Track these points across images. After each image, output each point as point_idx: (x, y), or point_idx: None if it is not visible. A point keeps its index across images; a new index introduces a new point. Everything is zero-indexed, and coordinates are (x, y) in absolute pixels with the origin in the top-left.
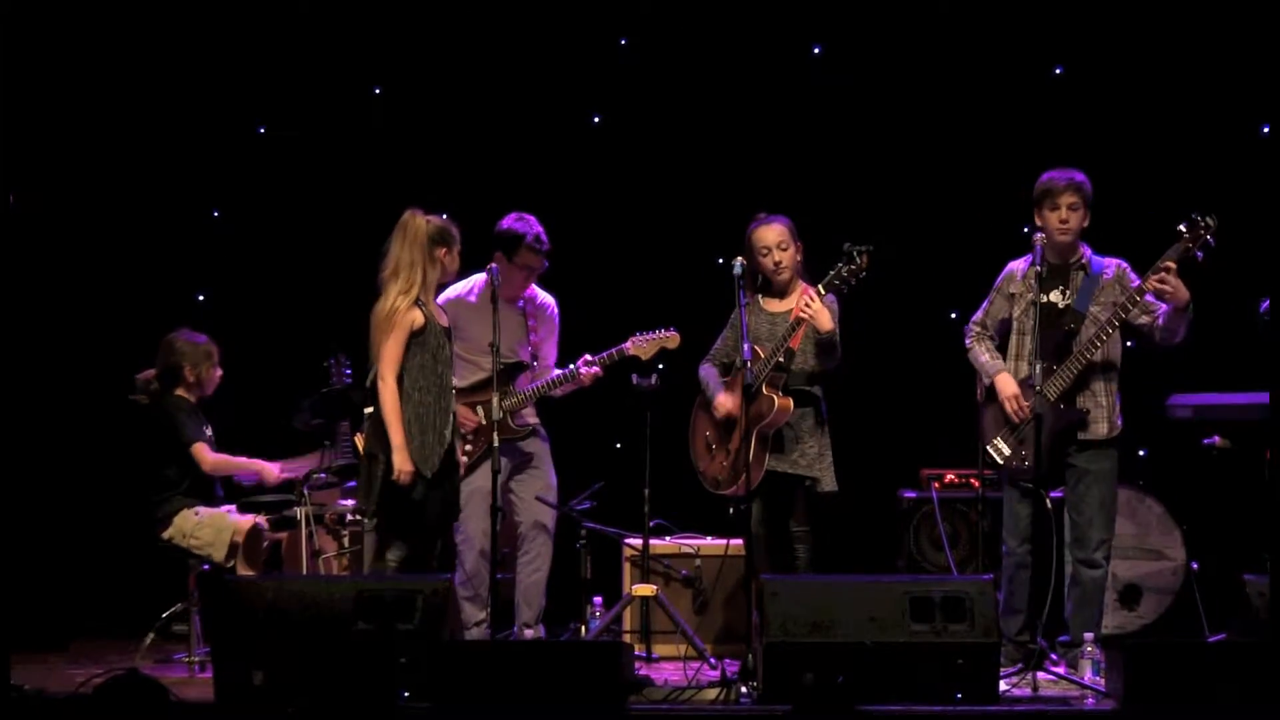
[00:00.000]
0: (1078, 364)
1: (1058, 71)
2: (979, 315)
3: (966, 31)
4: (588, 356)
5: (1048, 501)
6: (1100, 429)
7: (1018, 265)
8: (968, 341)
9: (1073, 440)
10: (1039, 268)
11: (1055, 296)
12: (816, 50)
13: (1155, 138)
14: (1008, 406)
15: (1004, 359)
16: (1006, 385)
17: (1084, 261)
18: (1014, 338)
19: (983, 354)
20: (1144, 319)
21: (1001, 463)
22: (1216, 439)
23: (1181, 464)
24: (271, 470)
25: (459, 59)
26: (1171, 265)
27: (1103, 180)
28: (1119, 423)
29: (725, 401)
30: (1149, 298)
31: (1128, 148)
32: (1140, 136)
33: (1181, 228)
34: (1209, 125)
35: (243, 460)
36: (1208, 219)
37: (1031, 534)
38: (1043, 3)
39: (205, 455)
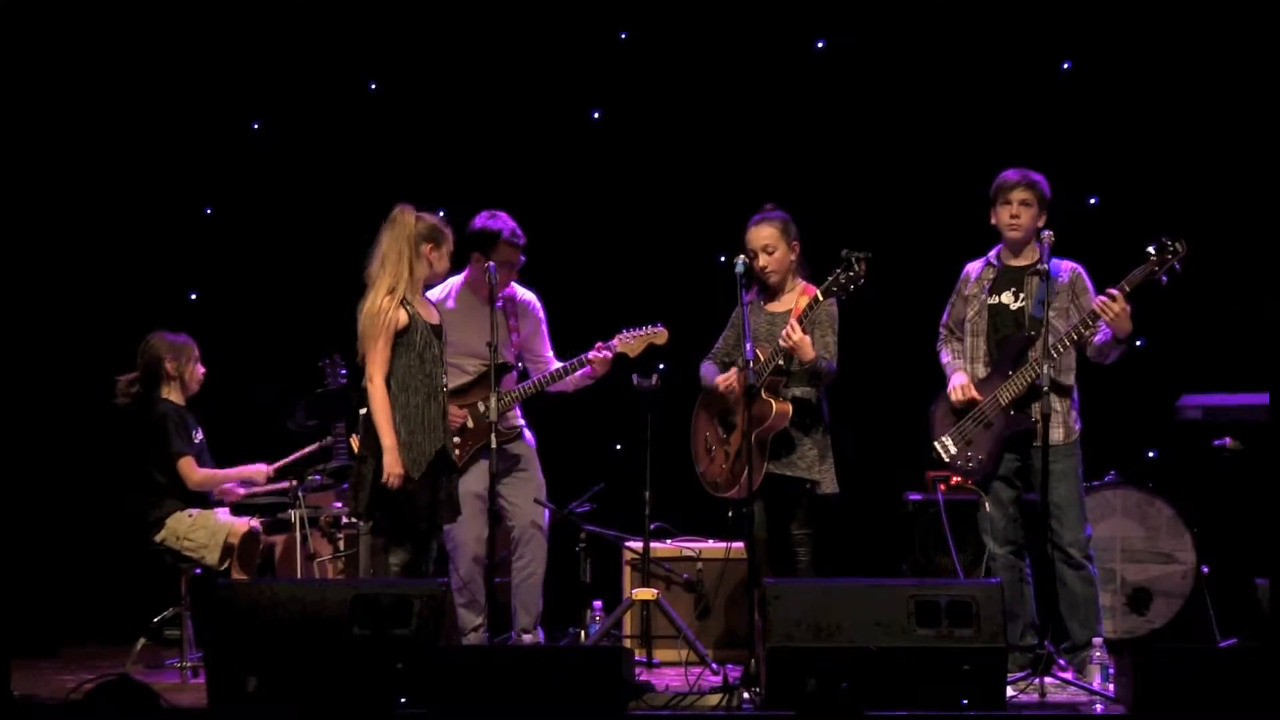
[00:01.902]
0: (1032, 373)
1: (1066, 67)
2: (944, 318)
3: (972, 26)
4: (578, 357)
5: (985, 505)
6: (1056, 434)
7: (973, 266)
8: (937, 345)
9: (1025, 444)
10: (1045, 265)
11: (1007, 298)
12: (820, 44)
13: (1163, 136)
14: (953, 396)
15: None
16: (956, 379)
17: (1041, 267)
18: (969, 339)
19: (946, 355)
20: (1086, 333)
21: (947, 460)
22: (1228, 440)
23: (1192, 466)
24: (260, 472)
25: (456, 54)
26: (1116, 294)
27: (1111, 180)
28: (1076, 427)
29: (729, 376)
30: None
31: (1137, 146)
32: (1149, 134)
33: (1150, 250)
34: (1216, 123)
35: (228, 472)
36: (1177, 244)
37: (1012, 536)
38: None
39: (191, 473)
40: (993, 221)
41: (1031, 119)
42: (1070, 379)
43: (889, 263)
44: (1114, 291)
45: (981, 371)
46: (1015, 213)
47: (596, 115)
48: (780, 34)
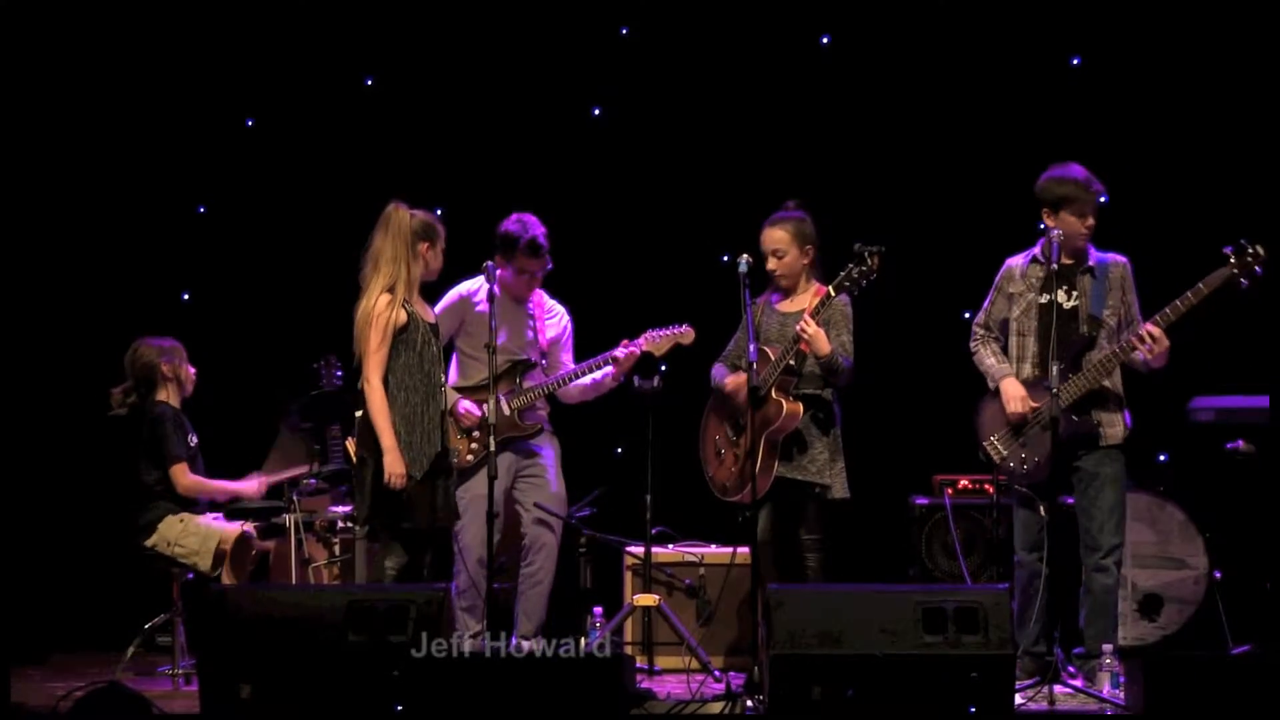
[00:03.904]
0: (1094, 378)
1: (1075, 62)
2: (980, 316)
3: (979, 22)
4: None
5: (1042, 509)
6: (1117, 432)
7: (1016, 262)
8: (972, 345)
9: (1081, 447)
10: (1054, 265)
11: (1060, 297)
12: (825, 40)
13: (1172, 133)
14: (1011, 408)
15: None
16: (1012, 389)
17: (1091, 265)
18: (1014, 339)
19: (988, 357)
20: (1127, 354)
21: (998, 461)
22: (1240, 443)
23: (1204, 469)
24: (250, 489)
25: (454, 50)
26: (1155, 331)
27: (1120, 176)
28: (1129, 424)
29: (737, 377)
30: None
31: (1146, 142)
32: (1158, 131)
33: (1227, 251)
34: (1222, 122)
35: (220, 485)
36: (1257, 247)
37: (1042, 542)
38: None
39: (182, 477)
40: (1051, 224)
41: (1039, 116)
42: (1120, 380)
43: (897, 262)
44: (1151, 329)
45: (1029, 372)
46: (1092, 224)
47: (597, 112)
48: (787, 29)
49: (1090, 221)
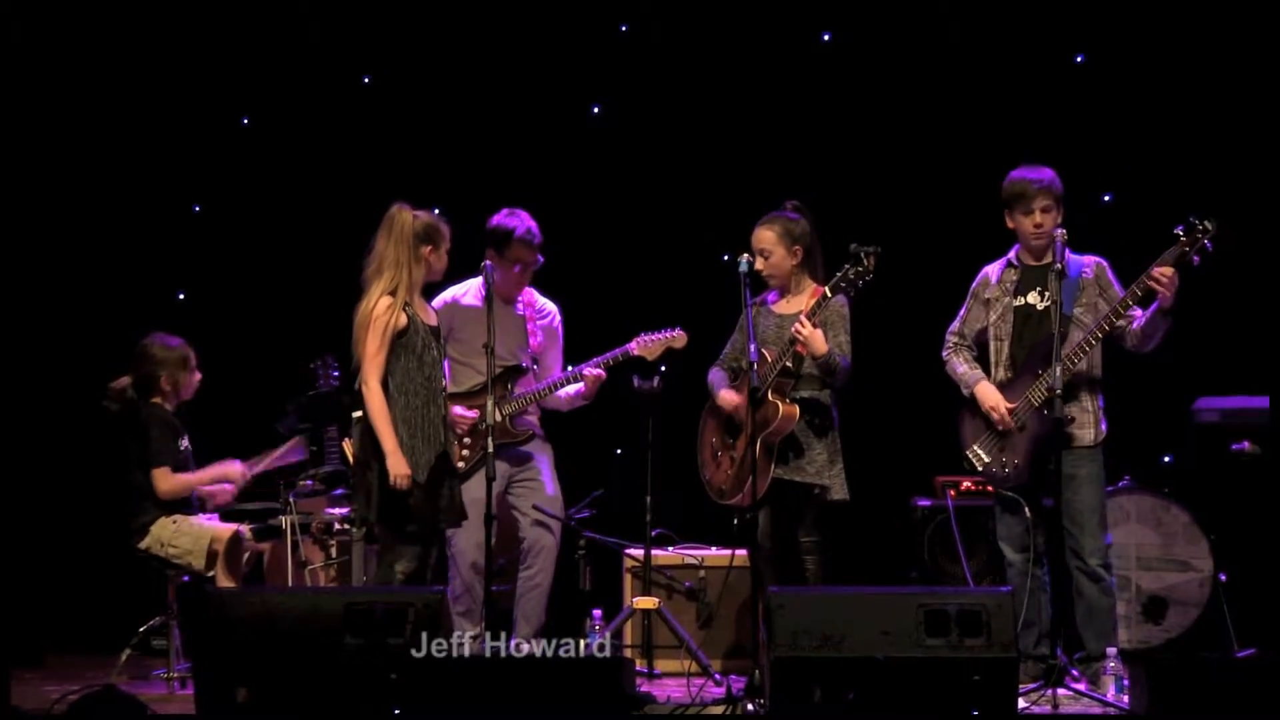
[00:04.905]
0: (1070, 366)
1: (1079, 60)
2: (956, 325)
3: (982, 20)
4: (595, 360)
5: (1026, 510)
6: (1087, 435)
7: (991, 269)
8: (945, 353)
9: (1057, 447)
10: (1058, 265)
11: (1033, 299)
12: (826, 38)
13: (1178, 132)
14: (992, 416)
15: (983, 367)
16: (988, 395)
17: (1058, 266)
18: (991, 343)
19: (960, 365)
20: (1119, 322)
21: (981, 469)
22: (1246, 444)
23: (1209, 470)
24: (235, 470)
25: (452, 48)
26: (1169, 271)
27: (1125, 176)
28: (1104, 428)
29: (730, 396)
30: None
31: (1151, 142)
32: (1163, 130)
33: (1178, 230)
34: (1229, 120)
35: (201, 474)
36: (1206, 223)
37: (1029, 543)
38: None
39: (162, 481)
40: (1010, 226)
41: (1044, 114)
42: (1099, 382)
43: (898, 262)
44: (1166, 269)
45: (1002, 375)
46: (1039, 221)
47: (596, 109)
48: (787, 26)
49: (1036, 219)
